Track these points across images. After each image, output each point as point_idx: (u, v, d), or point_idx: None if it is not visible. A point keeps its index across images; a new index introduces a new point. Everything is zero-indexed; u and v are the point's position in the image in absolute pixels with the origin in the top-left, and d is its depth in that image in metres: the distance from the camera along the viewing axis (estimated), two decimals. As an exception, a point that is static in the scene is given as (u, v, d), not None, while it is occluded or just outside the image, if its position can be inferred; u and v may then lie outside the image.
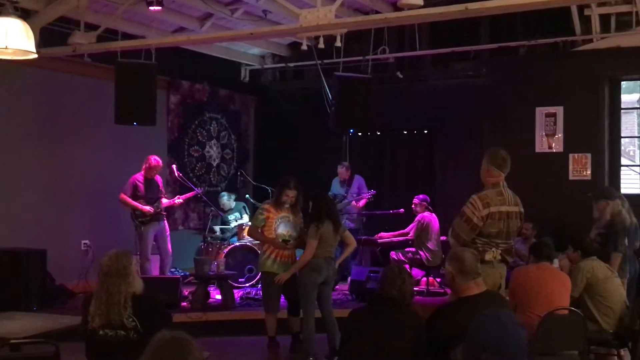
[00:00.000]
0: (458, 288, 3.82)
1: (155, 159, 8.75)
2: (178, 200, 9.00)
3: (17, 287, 7.54)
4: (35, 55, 5.15)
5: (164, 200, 8.79)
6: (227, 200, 10.12)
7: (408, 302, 3.94)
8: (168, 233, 8.84)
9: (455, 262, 3.83)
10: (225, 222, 10.00)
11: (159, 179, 8.89)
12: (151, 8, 7.86)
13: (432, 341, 3.70)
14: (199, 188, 9.65)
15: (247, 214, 10.05)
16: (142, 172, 8.69)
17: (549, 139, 9.18)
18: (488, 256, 4.81)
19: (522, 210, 5.05)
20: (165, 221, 8.86)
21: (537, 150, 9.24)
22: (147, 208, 8.55)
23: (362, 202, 9.84)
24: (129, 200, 8.53)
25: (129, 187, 8.57)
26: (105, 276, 3.91)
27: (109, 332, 3.92)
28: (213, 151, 11.36)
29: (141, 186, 8.59)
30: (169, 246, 8.79)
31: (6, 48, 4.94)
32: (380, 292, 3.92)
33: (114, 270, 3.90)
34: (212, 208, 9.63)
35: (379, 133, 10.95)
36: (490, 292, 4.04)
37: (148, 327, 3.92)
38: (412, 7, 6.24)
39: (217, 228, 9.91)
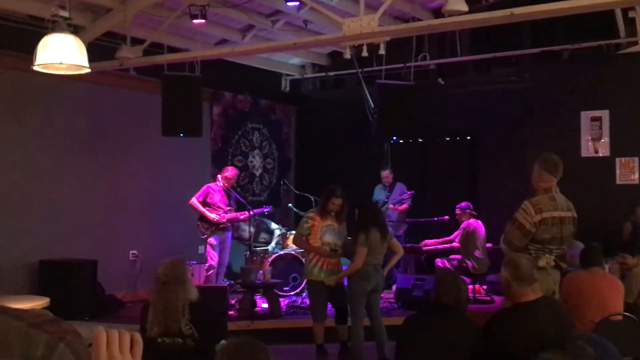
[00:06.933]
0: (514, 294, 3.78)
1: (231, 169, 9.03)
2: (244, 215, 9.09)
3: (70, 298, 7.67)
4: (88, 70, 5.29)
5: (230, 212, 8.89)
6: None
7: (463, 309, 3.92)
8: (229, 244, 8.98)
9: (512, 268, 3.80)
10: (270, 231, 10.03)
11: (233, 192, 9.07)
12: (195, 21, 7.99)
13: (491, 348, 3.67)
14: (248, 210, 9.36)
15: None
16: (219, 182, 8.91)
17: (594, 143, 9.03)
18: (541, 262, 4.76)
19: (575, 215, 4.99)
20: (230, 232, 9.01)
21: (583, 155, 9.07)
22: (212, 216, 8.69)
23: (403, 206, 9.81)
24: (197, 205, 8.70)
25: (201, 194, 8.75)
26: (163, 285, 3.97)
27: (167, 340, 3.98)
28: (256, 161, 11.46)
29: (213, 194, 8.76)
30: (227, 257, 8.96)
31: (61, 63, 5.08)
32: (436, 299, 3.90)
33: (172, 278, 3.96)
34: (257, 217, 9.67)
35: (420, 140, 10.90)
36: (546, 297, 4.00)
37: (204, 335, 3.98)
38: (456, 13, 6.21)
39: (265, 236, 9.98)
